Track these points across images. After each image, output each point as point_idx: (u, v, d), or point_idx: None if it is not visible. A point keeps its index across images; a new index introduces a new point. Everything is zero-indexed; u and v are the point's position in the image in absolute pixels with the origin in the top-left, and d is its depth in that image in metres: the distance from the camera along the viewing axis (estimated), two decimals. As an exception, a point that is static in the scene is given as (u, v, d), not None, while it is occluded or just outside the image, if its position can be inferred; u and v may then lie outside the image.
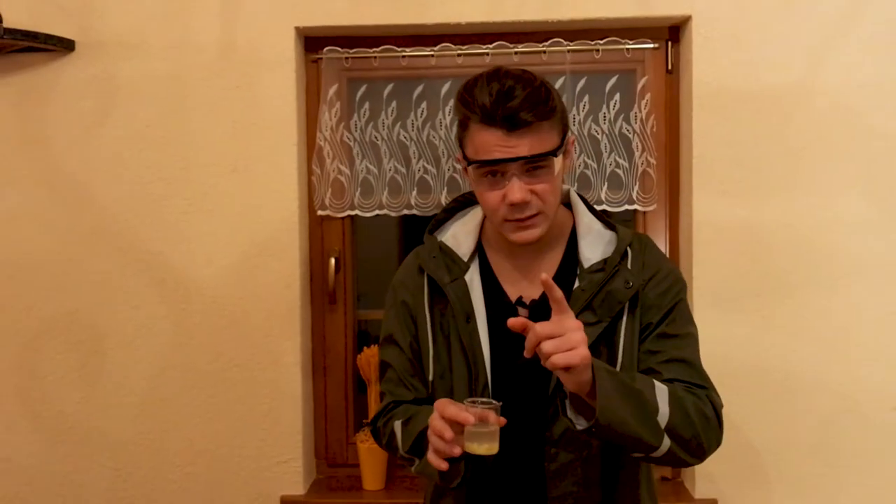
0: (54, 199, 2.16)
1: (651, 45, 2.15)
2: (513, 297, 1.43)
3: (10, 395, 2.19)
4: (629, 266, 1.40)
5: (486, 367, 1.39)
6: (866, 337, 2.07)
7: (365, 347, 2.22)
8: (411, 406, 1.47)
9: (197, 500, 2.18)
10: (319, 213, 2.21)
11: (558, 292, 1.21)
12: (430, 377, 1.46)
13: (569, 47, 2.13)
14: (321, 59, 2.19)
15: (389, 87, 2.20)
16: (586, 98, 2.16)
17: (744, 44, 2.06)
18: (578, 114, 2.15)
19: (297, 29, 2.13)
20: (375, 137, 2.20)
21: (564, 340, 1.18)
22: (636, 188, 2.16)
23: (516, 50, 2.15)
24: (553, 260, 1.44)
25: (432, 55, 2.16)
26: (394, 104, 2.20)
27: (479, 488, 1.42)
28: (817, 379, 2.08)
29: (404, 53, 2.16)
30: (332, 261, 2.22)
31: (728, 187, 2.07)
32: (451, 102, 2.15)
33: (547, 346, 1.18)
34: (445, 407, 1.27)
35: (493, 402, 1.28)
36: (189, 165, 2.14)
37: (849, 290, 2.07)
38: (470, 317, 1.40)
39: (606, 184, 2.16)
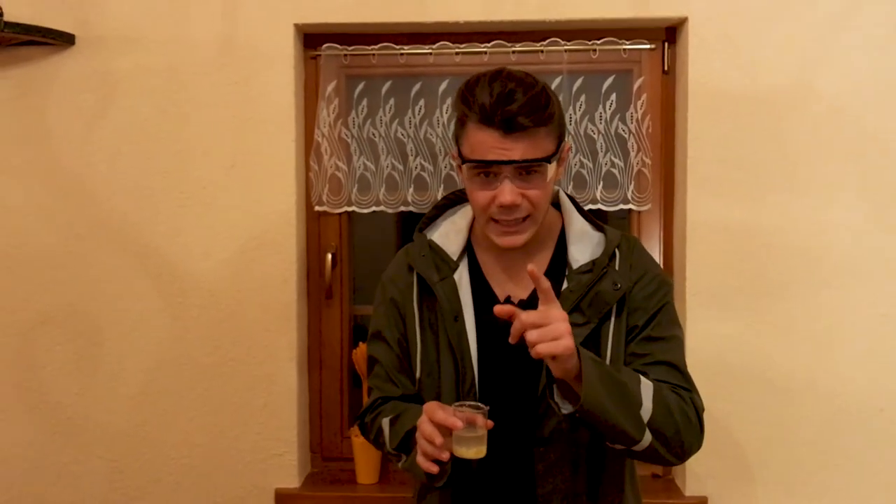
0: (53, 191, 2.17)
1: (648, 46, 2.16)
2: (501, 296, 1.44)
3: (7, 387, 2.21)
4: (617, 268, 1.42)
5: (473, 366, 1.41)
6: (856, 338, 2.09)
7: (361, 342, 2.23)
8: (399, 403, 1.49)
9: (192, 492, 2.20)
10: (317, 208, 2.22)
11: (545, 282, 1.24)
12: (418, 374, 1.47)
13: (566, 47, 2.14)
14: (320, 55, 2.20)
15: (387, 84, 2.21)
16: (583, 98, 2.17)
17: (739, 46, 2.07)
18: (575, 113, 2.16)
19: (297, 25, 2.14)
20: (373, 134, 2.22)
21: (549, 330, 1.20)
22: (631, 188, 2.17)
23: (514, 49, 2.16)
24: (542, 260, 1.46)
25: (430, 53, 2.17)
26: (392, 101, 2.21)
27: (467, 486, 1.43)
28: (807, 379, 2.10)
29: (402, 51, 2.18)
30: (329, 256, 2.24)
31: (722, 188, 2.09)
32: (449, 100, 2.18)
33: (532, 335, 1.20)
34: (434, 411, 1.29)
35: (481, 405, 1.30)
36: (187, 160, 2.16)
37: (840, 291, 2.09)
38: (458, 316, 1.42)
39: (602, 183, 2.18)
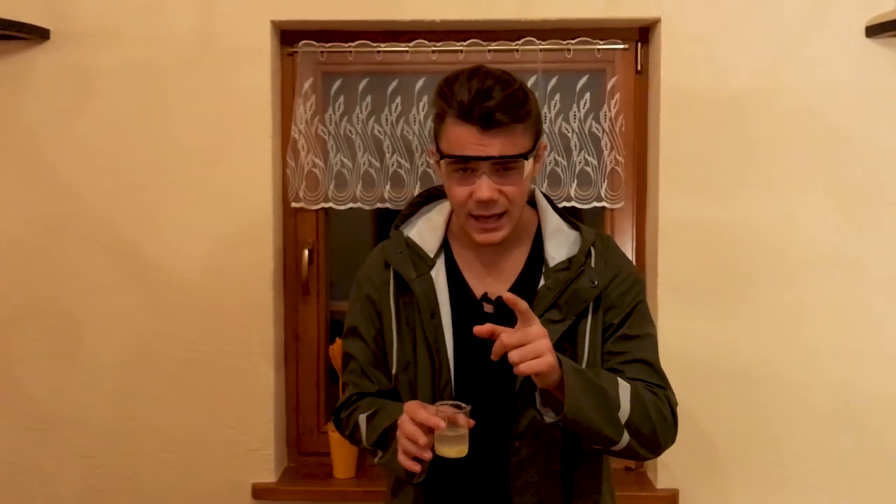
0: (30, 186, 2.17)
1: (621, 46, 2.20)
2: (478, 293, 1.46)
3: (-19, 382, 2.20)
4: (593, 265, 1.44)
5: (449, 362, 1.43)
6: (823, 332, 2.14)
7: (337, 338, 2.24)
8: (376, 399, 1.51)
9: (169, 487, 2.20)
10: (293, 205, 2.23)
11: (522, 304, 1.26)
12: (394, 371, 1.48)
13: (541, 46, 2.17)
14: (297, 52, 2.21)
15: (364, 81, 2.22)
16: (557, 97, 2.20)
17: (710, 46, 2.11)
18: (549, 112, 2.19)
19: (273, 22, 2.14)
20: (350, 131, 2.23)
21: (530, 349, 1.23)
22: (605, 186, 2.21)
23: (489, 48, 2.18)
24: (519, 258, 1.48)
25: (407, 51, 2.19)
26: (368, 99, 2.22)
27: (442, 480, 1.44)
28: (775, 373, 2.15)
29: (379, 49, 2.19)
30: (306, 252, 2.25)
31: (694, 186, 2.13)
32: (426, 98, 2.19)
33: (513, 355, 1.23)
34: (416, 411, 1.30)
35: (463, 405, 1.32)
36: (165, 155, 2.16)
37: (807, 286, 2.14)
38: (435, 313, 1.43)
39: (576, 181, 2.21)
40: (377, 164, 2.22)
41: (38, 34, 2.10)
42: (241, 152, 2.16)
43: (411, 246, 1.48)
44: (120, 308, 2.18)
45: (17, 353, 2.19)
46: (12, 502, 2.21)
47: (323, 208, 2.27)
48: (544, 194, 1.54)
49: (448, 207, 1.50)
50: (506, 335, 1.24)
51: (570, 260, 1.44)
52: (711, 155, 2.12)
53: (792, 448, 2.16)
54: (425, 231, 1.50)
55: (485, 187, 1.33)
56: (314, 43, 2.20)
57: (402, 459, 1.32)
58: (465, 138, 1.31)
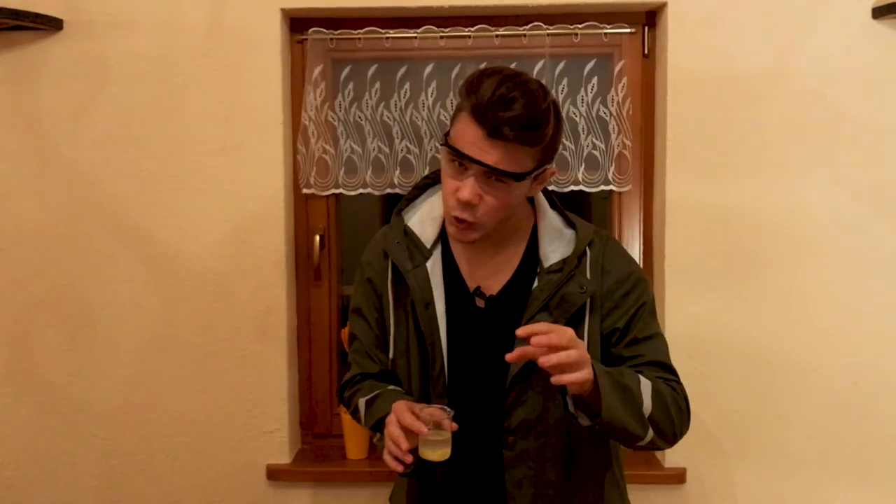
0: (45, 175, 2.20)
1: (628, 30, 2.21)
2: (471, 287, 1.47)
3: (1, 366, 2.24)
4: (588, 268, 1.43)
5: (443, 353, 1.44)
6: (830, 314, 2.16)
7: (349, 322, 2.28)
8: (376, 383, 1.54)
9: (186, 469, 2.25)
10: (304, 191, 2.26)
11: (535, 345, 1.22)
12: (391, 355, 1.52)
13: (548, 31, 2.18)
14: (306, 39, 2.23)
15: (373, 67, 2.24)
16: (565, 81, 2.21)
17: (718, 29, 2.11)
18: (557, 96, 2.20)
19: (283, 10, 2.16)
20: (359, 117, 2.25)
21: (574, 362, 1.22)
22: (612, 170, 2.22)
23: (497, 33, 2.19)
24: (514, 255, 1.48)
25: (415, 37, 2.20)
26: (377, 85, 2.24)
27: (439, 472, 1.46)
28: (783, 354, 2.16)
29: (388, 35, 2.21)
30: (317, 238, 2.28)
31: (701, 169, 2.14)
32: (434, 83, 2.21)
33: (552, 359, 1.20)
34: (402, 414, 1.33)
35: (447, 409, 1.34)
36: (177, 143, 2.19)
37: (815, 269, 2.15)
38: (429, 304, 1.44)
39: (583, 165, 2.23)
40: (386, 150, 2.25)
41: (51, 24, 2.13)
42: (252, 140, 2.18)
43: (409, 235, 1.48)
44: (135, 294, 2.22)
45: (36, 340, 2.24)
46: (34, 483, 2.27)
47: (333, 194, 2.29)
48: (545, 190, 1.52)
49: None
50: (556, 335, 1.22)
51: (563, 261, 1.43)
52: (719, 138, 2.13)
53: (799, 429, 2.18)
54: (424, 221, 1.50)
55: (468, 188, 1.32)
56: (323, 30, 2.21)
57: (387, 459, 1.36)
58: (470, 136, 1.30)
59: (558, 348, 1.22)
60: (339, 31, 2.21)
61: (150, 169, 2.19)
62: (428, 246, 1.48)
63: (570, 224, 1.49)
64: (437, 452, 1.33)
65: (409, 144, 2.24)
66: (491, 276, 1.47)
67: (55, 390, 2.24)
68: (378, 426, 1.47)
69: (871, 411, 2.17)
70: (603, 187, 2.23)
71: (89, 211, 2.21)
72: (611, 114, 2.22)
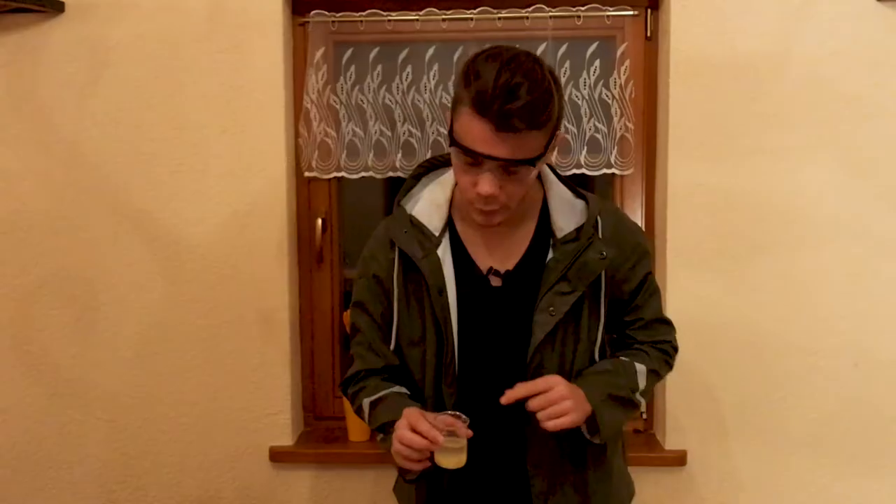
0: (47, 158, 2.20)
1: (631, 13, 2.20)
2: (484, 268, 1.47)
3: (6, 349, 2.26)
4: (601, 236, 1.45)
5: (454, 339, 1.44)
6: (831, 296, 2.16)
7: (351, 315, 2.28)
8: (381, 383, 1.53)
9: (189, 451, 2.27)
10: (306, 174, 2.26)
11: (535, 385, 1.36)
12: (392, 346, 1.52)
13: (551, 13, 2.17)
14: (308, 22, 2.22)
15: (375, 50, 2.24)
16: (567, 64, 2.20)
17: (720, 12, 2.10)
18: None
19: (285, -8, 2.16)
20: (361, 100, 2.25)
21: (556, 410, 1.34)
22: (614, 153, 2.22)
23: (499, 16, 2.19)
24: (526, 232, 1.48)
25: (417, 20, 2.20)
26: (379, 68, 2.24)
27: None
28: (783, 337, 2.17)
29: (390, 17, 2.20)
30: (319, 221, 2.28)
31: (703, 152, 2.14)
32: (436, 66, 2.20)
33: (540, 413, 1.34)
34: (417, 421, 1.33)
35: (461, 415, 1.36)
36: (179, 126, 2.19)
37: (816, 251, 2.15)
38: (442, 290, 1.44)
39: (586, 148, 2.22)
40: (388, 134, 2.24)
41: (53, 7, 2.13)
42: (254, 123, 2.18)
43: (416, 225, 1.47)
44: (139, 277, 2.23)
45: (41, 322, 2.25)
46: (40, 464, 2.29)
47: (335, 177, 2.29)
48: (549, 165, 1.52)
49: (451, 181, 1.49)
50: (533, 402, 1.34)
51: (578, 230, 1.44)
52: (721, 121, 2.13)
53: (800, 411, 2.19)
54: (429, 209, 1.48)
55: (487, 183, 1.31)
56: (325, 12, 2.21)
57: (401, 462, 1.37)
58: (478, 133, 1.27)
59: (553, 402, 1.34)
60: (340, 14, 2.21)
61: (151, 151, 2.19)
62: (436, 234, 1.46)
63: (579, 195, 1.50)
64: (453, 460, 1.35)
65: (410, 128, 2.24)
66: (505, 254, 1.47)
67: (59, 372, 2.26)
68: (382, 429, 1.47)
69: (871, 393, 2.17)
70: (605, 170, 2.23)
71: (91, 194, 2.21)
72: (613, 97, 2.21)
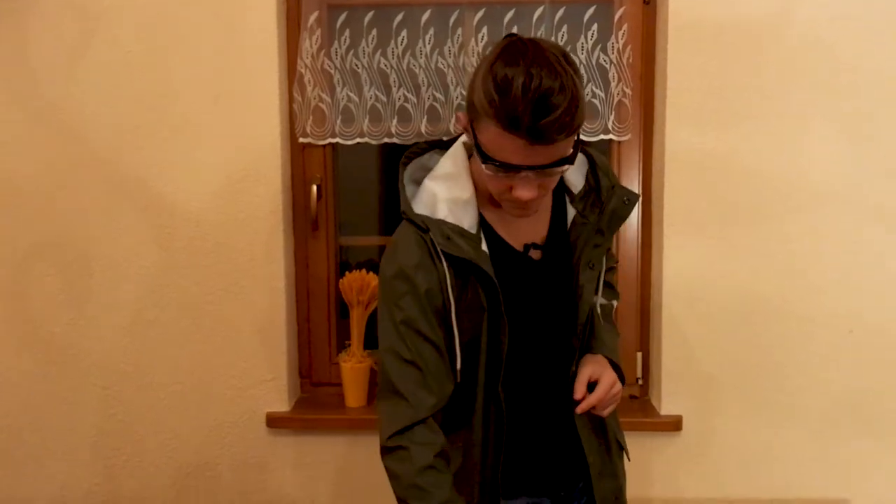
0: (39, 124, 2.18)
1: (629, -24, 2.17)
2: (519, 247, 1.44)
3: (0, 317, 2.25)
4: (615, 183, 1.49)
5: (506, 326, 1.39)
6: (827, 263, 2.16)
7: (347, 272, 2.28)
8: (440, 484, 1.37)
9: (186, 417, 2.27)
10: (301, 140, 2.24)
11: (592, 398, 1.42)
12: (459, 365, 1.40)
13: (548, -24, 2.15)
14: (302, -15, 2.19)
15: (370, 14, 2.21)
16: (564, 28, 2.18)
17: (720, -25, 2.08)
18: (557, 42, 2.17)
19: (278, -46, 2.13)
20: (356, 65, 2.22)
21: (613, 398, 1.46)
22: (612, 118, 2.21)
23: (496, -21, 2.16)
24: (546, 199, 1.46)
25: (412, -17, 2.17)
26: (374, 32, 2.21)
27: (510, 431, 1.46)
28: (779, 304, 2.17)
29: (385, -19, 2.17)
30: (314, 188, 2.26)
31: (701, 118, 2.13)
32: (432, 30, 2.17)
33: (599, 409, 1.45)
34: None
35: None
36: (172, 92, 2.16)
37: (812, 218, 2.15)
38: (491, 278, 1.38)
39: (583, 113, 2.20)
40: (384, 99, 2.22)
41: (40, -31, 2.09)
42: (247, 88, 2.16)
43: (454, 230, 1.37)
44: (132, 244, 2.21)
45: (34, 290, 2.24)
46: (34, 432, 2.29)
47: (330, 143, 2.27)
48: None
49: (464, 175, 1.41)
50: (594, 398, 1.41)
51: (595, 184, 1.46)
52: (719, 86, 2.12)
53: (795, 376, 2.20)
54: (455, 208, 1.39)
55: (526, 189, 1.27)
56: (319, -25, 2.18)
57: None
58: (510, 147, 1.21)
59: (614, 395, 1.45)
60: (334, -23, 2.18)
61: (143, 119, 2.17)
62: (473, 231, 1.39)
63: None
64: None
65: (406, 93, 2.22)
66: (533, 227, 1.45)
67: (54, 340, 2.25)
68: None
69: (865, 359, 2.19)
70: (602, 136, 2.22)
71: (83, 161, 2.19)
72: (611, 61, 2.19)
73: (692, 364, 2.19)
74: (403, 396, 1.38)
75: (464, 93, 2.17)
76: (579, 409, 1.41)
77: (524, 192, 1.27)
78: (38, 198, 2.20)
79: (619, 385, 1.46)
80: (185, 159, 2.18)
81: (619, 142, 2.25)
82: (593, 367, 1.46)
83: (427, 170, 1.46)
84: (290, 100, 2.23)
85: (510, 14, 2.16)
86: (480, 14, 2.17)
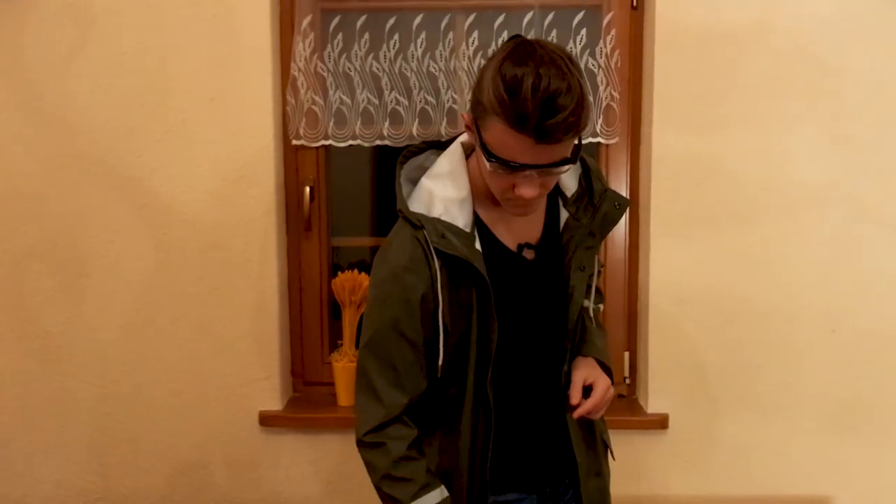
0: (36, 124, 2.20)
1: (617, -18, 2.21)
2: (513, 247, 1.46)
3: (-4, 316, 2.27)
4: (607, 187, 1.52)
5: (495, 324, 1.41)
6: (810, 264, 2.20)
7: (339, 273, 2.31)
8: (416, 467, 1.45)
9: (179, 416, 2.29)
10: (294, 142, 2.27)
11: (592, 400, 1.46)
12: (441, 361, 1.42)
13: (538, -18, 2.18)
14: (295, -11, 2.22)
15: (362, 18, 2.24)
16: (554, 32, 2.21)
17: (706, -19, 2.12)
18: (546, 48, 2.21)
19: (272, -41, 2.15)
20: (348, 68, 2.25)
21: (606, 403, 1.49)
22: (600, 122, 2.24)
23: (487, -16, 2.19)
24: (543, 200, 1.47)
25: (404, -12, 2.20)
26: (366, 36, 2.24)
27: (507, 418, 1.49)
28: (765, 304, 2.21)
29: (377, -15, 2.20)
30: (307, 189, 2.29)
31: (688, 121, 2.16)
32: (423, 34, 2.21)
33: (595, 415, 1.48)
34: None
35: None
36: (166, 93, 2.19)
37: (797, 221, 2.19)
38: (483, 276, 1.40)
39: (571, 117, 2.23)
40: (376, 102, 2.25)
41: (37, -27, 2.11)
42: (241, 90, 2.18)
43: (449, 228, 1.40)
44: (128, 244, 2.23)
45: (30, 289, 2.26)
46: (32, 429, 2.31)
47: (323, 146, 2.30)
48: None
49: (461, 174, 1.43)
50: (591, 403, 1.45)
51: (588, 186, 1.49)
52: (706, 90, 2.15)
53: (779, 375, 2.24)
54: (450, 206, 1.41)
55: (529, 188, 1.30)
56: (312, -20, 2.21)
57: None
58: (516, 146, 1.25)
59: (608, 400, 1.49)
60: (327, -19, 2.21)
61: (139, 119, 2.19)
62: (468, 230, 1.42)
63: None
64: None
65: (398, 96, 2.25)
66: (526, 227, 1.48)
67: (50, 338, 2.27)
68: None
69: (848, 358, 2.22)
70: (591, 139, 2.25)
71: (79, 160, 2.21)
72: (599, 66, 2.23)
73: (678, 363, 2.23)
74: (378, 395, 1.43)
75: (455, 96, 2.21)
76: (576, 415, 1.44)
77: (526, 191, 1.30)
78: (34, 198, 2.23)
79: (612, 390, 1.49)
80: (180, 160, 2.20)
81: (607, 145, 2.28)
82: (587, 372, 1.49)
83: (424, 169, 1.49)
84: (284, 102, 2.25)
85: (500, 19, 2.20)
86: (471, 19, 2.21)
